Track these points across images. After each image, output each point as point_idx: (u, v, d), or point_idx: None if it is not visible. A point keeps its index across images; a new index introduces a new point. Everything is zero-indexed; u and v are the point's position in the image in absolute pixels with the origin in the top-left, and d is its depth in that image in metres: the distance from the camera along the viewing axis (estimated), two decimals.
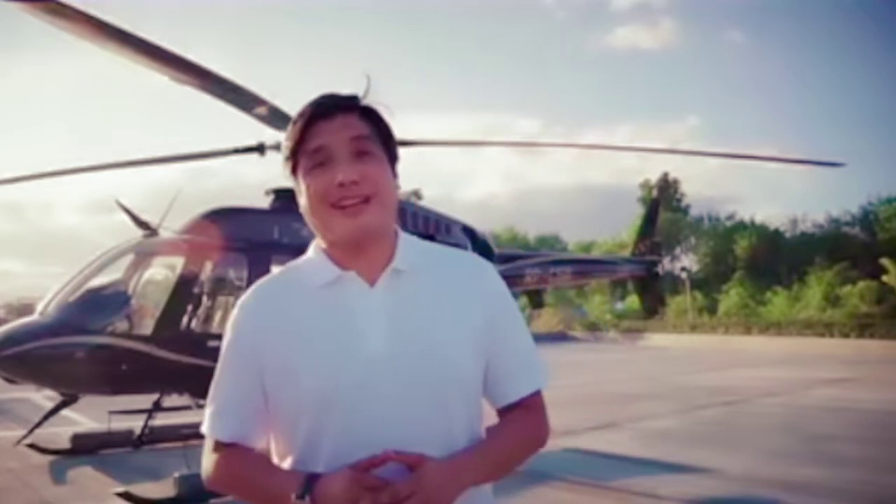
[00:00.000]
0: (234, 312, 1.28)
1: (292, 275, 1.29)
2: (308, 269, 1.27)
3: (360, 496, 1.06)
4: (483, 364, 1.26)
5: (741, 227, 42.44)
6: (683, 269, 35.38)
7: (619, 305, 38.11)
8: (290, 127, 1.23)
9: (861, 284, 27.91)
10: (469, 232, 9.18)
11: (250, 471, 1.22)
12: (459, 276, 1.28)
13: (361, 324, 1.19)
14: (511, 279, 9.16)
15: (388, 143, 1.25)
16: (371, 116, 1.24)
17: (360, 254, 1.22)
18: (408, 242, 1.28)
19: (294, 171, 1.24)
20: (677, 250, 45.12)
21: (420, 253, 1.28)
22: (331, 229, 1.20)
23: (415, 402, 1.17)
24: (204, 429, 1.29)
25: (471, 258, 1.35)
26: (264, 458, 1.25)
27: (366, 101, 1.25)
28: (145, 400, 7.60)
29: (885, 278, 26.79)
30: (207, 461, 1.27)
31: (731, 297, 33.13)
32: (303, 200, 1.23)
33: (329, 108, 1.21)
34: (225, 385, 1.27)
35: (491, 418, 1.33)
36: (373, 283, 1.22)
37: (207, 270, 6.88)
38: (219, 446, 1.26)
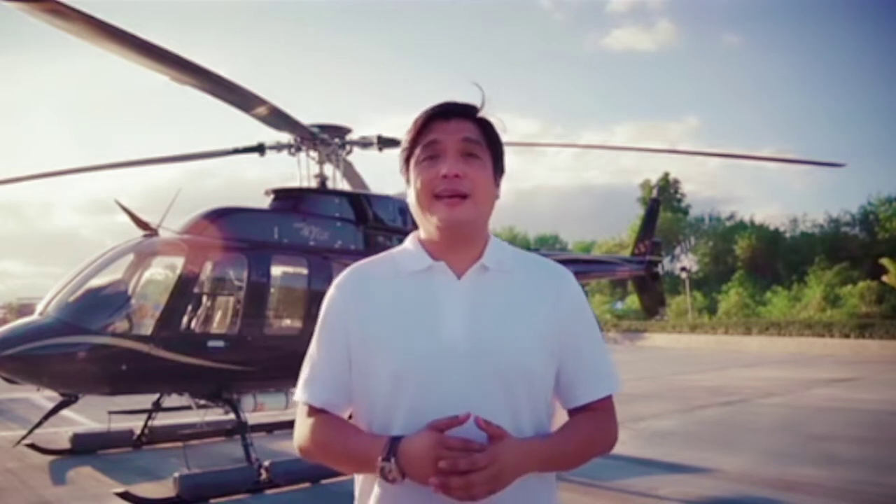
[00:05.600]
0: (330, 291, 1.39)
1: (387, 260, 1.40)
2: (402, 256, 1.38)
3: (442, 455, 1.13)
4: (554, 365, 1.34)
5: (741, 227, 42.38)
6: (683, 269, 35.24)
7: (619, 305, 38.07)
8: (411, 124, 1.36)
9: (861, 284, 27.80)
10: None
11: (337, 436, 1.30)
12: (541, 280, 1.37)
13: (442, 311, 1.29)
14: None
15: (495, 154, 1.37)
16: (485, 127, 1.36)
17: (452, 248, 1.33)
18: (498, 245, 1.38)
19: (407, 162, 1.36)
20: (677, 250, 45.09)
21: (508, 255, 1.38)
22: (431, 218, 1.31)
23: (482, 390, 1.24)
24: (296, 395, 1.39)
25: (554, 266, 1.43)
26: (350, 424, 1.34)
27: (482, 113, 1.36)
28: (145, 400, 7.61)
29: (885, 278, 26.69)
30: (299, 427, 1.37)
31: (730, 297, 33.03)
32: (411, 193, 1.36)
33: (448, 110, 1.34)
34: (317, 355, 1.37)
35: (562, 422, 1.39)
36: (460, 275, 1.33)
37: (207, 270, 6.87)
38: (310, 412, 1.35)
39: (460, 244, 1.33)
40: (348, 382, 1.33)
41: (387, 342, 1.27)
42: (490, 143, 1.35)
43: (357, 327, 1.31)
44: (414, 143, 1.34)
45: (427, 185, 1.30)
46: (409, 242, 1.40)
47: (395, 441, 1.19)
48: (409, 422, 1.22)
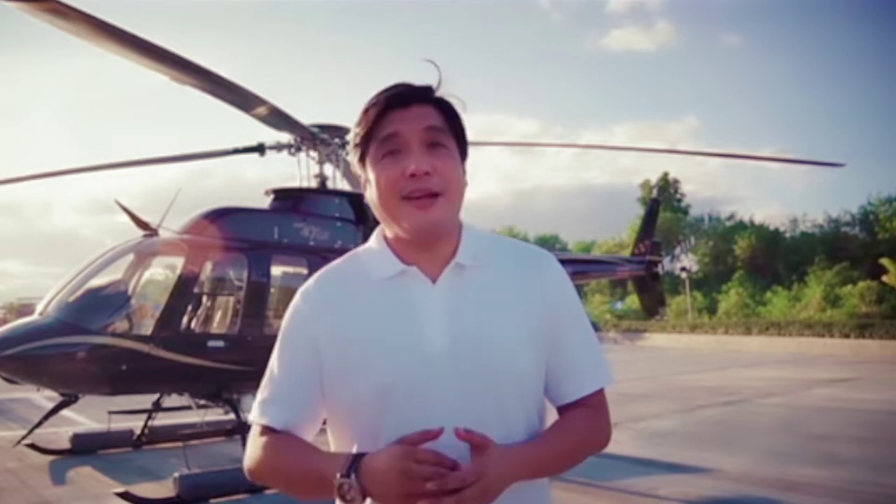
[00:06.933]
0: (295, 301, 1.27)
1: (353, 265, 1.27)
2: (370, 260, 1.26)
3: (410, 469, 1.04)
4: (543, 361, 1.25)
5: (741, 227, 42.37)
6: (683, 269, 35.22)
7: (619, 305, 38.05)
8: (361, 114, 1.21)
9: (861, 284, 27.78)
10: None
11: (292, 456, 1.19)
12: (522, 269, 1.26)
13: (422, 320, 1.18)
14: None
15: (459, 138, 1.23)
16: (445, 109, 1.22)
17: (424, 248, 1.21)
18: (472, 236, 1.26)
19: (362, 158, 1.22)
20: (677, 250, 45.08)
21: (483, 246, 1.26)
22: (399, 222, 1.18)
23: (471, 398, 1.16)
24: (252, 416, 1.27)
25: (534, 251, 1.32)
26: (308, 443, 1.23)
27: (439, 93, 1.22)
28: (145, 400, 7.60)
29: (885, 278, 26.67)
30: (252, 449, 1.24)
31: (730, 297, 33.01)
32: (371, 191, 1.22)
33: (405, 96, 1.19)
34: (278, 372, 1.25)
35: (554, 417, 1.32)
36: (435, 278, 1.21)
37: (207, 270, 6.88)
38: (265, 432, 1.24)
39: (432, 244, 1.21)
40: (314, 401, 1.23)
41: (367, 357, 1.17)
42: (453, 128, 1.21)
43: (329, 340, 1.20)
44: (368, 137, 1.19)
45: (392, 186, 1.16)
46: (375, 241, 1.27)
47: (358, 457, 1.09)
48: (397, 437, 1.12)
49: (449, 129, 1.21)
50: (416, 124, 1.17)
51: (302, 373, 1.22)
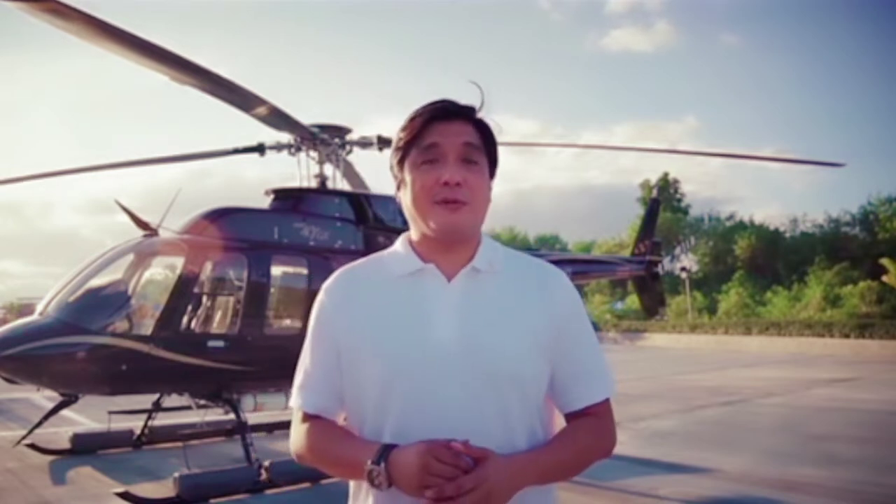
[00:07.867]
0: (319, 296, 1.38)
1: (376, 263, 1.38)
2: (392, 259, 1.36)
3: (430, 465, 1.12)
4: (547, 369, 1.32)
5: (741, 227, 42.36)
6: (683, 269, 35.20)
7: (619, 305, 38.06)
8: (407, 121, 1.32)
9: (861, 284, 27.79)
10: None
11: (330, 442, 1.30)
12: (533, 280, 1.35)
13: (433, 315, 1.27)
14: None
15: (491, 158, 1.35)
16: (483, 130, 1.33)
17: (445, 250, 1.31)
18: (490, 246, 1.36)
19: (401, 161, 1.33)
20: (677, 250, 45.07)
21: (500, 256, 1.36)
22: (427, 222, 1.29)
23: (473, 395, 1.23)
24: (291, 402, 1.39)
25: (547, 266, 1.41)
26: (344, 430, 1.34)
27: (480, 114, 1.34)
28: (145, 400, 7.61)
29: (885, 278, 26.66)
30: (294, 433, 1.37)
31: (730, 297, 33.01)
32: (405, 192, 1.32)
33: (449, 111, 1.31)
34: (309, 361, 1.36)
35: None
36: (451, 278, 1.30)
37: (207, 270, 6.86)
38: (305, 418, 1.36)
39: (453, 247, 1.31)
40: (340, 388, 1.33)
41: (376, 347, 1.26)
42: (487, 148, 1.33)
43: (346, 332, 1.30)
44: (411, 143, 1.31)
45: (427, 191, 1.27)
46: (400, 244, 1.38)
47: (387, 448, 1.19)
48: (400, 426, 1.22)
49: (483, 147, 1.32)
50: (455, 139, 1.28)
51: (326, 361, 1.33)
